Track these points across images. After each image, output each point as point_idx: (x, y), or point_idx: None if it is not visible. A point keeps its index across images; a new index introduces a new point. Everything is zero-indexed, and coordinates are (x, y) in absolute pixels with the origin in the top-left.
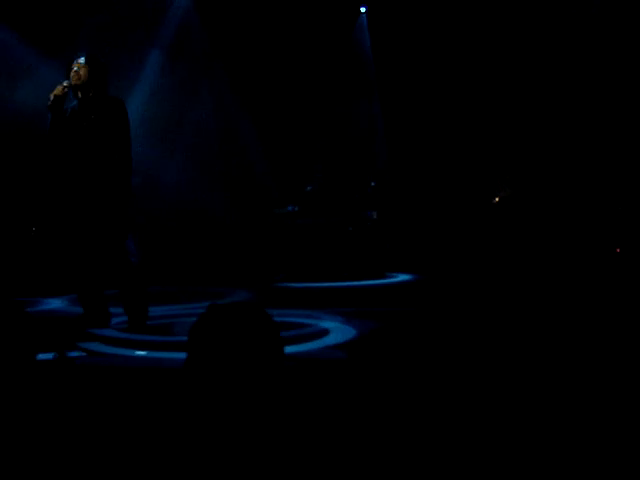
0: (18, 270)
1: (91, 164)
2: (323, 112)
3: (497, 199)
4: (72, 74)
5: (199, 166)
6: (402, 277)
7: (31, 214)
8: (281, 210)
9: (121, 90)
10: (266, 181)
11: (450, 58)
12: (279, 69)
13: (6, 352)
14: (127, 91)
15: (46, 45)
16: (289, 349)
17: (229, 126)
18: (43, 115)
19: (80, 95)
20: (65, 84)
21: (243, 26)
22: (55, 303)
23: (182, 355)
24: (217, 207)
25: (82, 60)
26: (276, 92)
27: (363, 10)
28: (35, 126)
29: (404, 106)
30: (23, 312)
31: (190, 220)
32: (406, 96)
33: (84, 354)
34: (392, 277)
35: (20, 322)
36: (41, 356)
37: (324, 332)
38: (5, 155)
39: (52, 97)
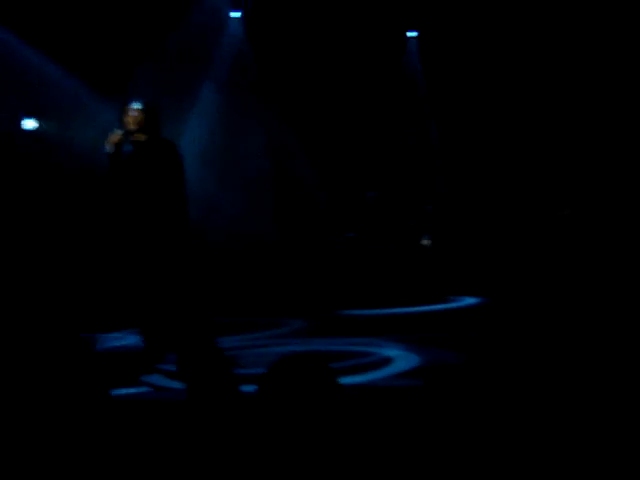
0: (93, 305)
1: (148, 206)
2: (377, 138)
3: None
4: (129, 119)
5: (254, 196)
6: (468, 301)
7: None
8: (339, 237)
9: (176, 123)
10: (322, 208)
11: (504, 77)
12: (331, 96)
13: (80, 390)
14: (182, 124)
15: (101, 85)
16: (351, 379)
17: (283, 155)
18: (98, 155)
19: (136, 139)
20: (120, 132)
21: (294, 56)
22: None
23: (248, 388)
24: (273, 236)
25: (139, 106)
26: (329, 119)
27: (412, 35)
28: (91, 166)
29: (460, 128)
30: (91, 350)
31: (247, 250)
32: (462, 118)
33: (151, 389)
34: (456, 301)
35: (90, 360)
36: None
37: (387, 360)
38: (62, 194)
39: (112, 146)
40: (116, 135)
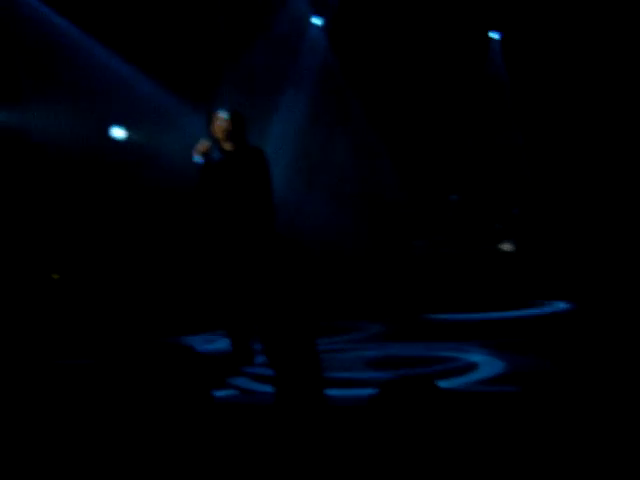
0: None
1: (237, 211)
2: (461, 139)
3: None
4: (216, 128)
5: (338, 199)
6: (557, 306)
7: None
8: (423, 240)
9: (261, 128)
10: (403, 211)
11: (589, 77)
12: (415, 98)
13: (186, 390)
14: (267, 129)
15: (188, 93)
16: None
17: (366, 160)
18: (186, 163)
19: (223, 147)
20: (207, 142)
21: (377, 58)
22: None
23: (333, 392)
24: (355, 239)
25: (225, 115)
26: (412, 122)
27: (494, 37)
28: (178, 174)
29: (546, 129)
30: (195, 353)
31: (331, 252)
32: (547, 118)
33: (237, 392)
34: (545, 306)
35: (195, 362)
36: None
37: (472, 366)
38: (152, 201)
39: (200, 156)
40: (203, 144)
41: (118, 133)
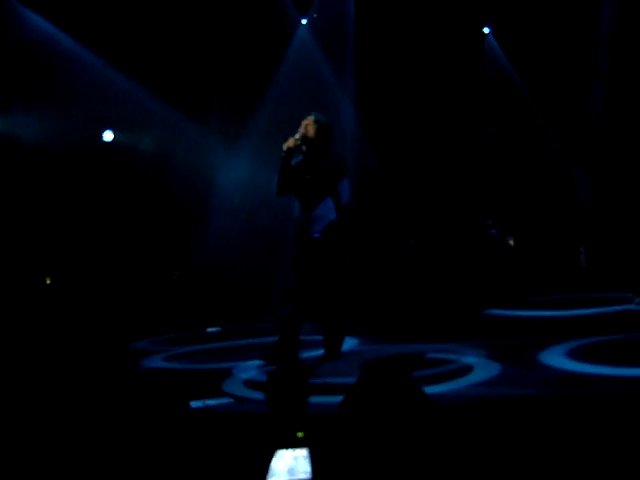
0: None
1: (310, 211)
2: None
3: None
4: (303, 127)
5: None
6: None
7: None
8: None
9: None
10: (398, 211)
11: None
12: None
13: (161, 403)
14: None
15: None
16: (432, 389)
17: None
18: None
19: (306, 149)
20: (297, 137)
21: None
22: None
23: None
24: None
25: (312, 118)
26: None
27: (487, 31)
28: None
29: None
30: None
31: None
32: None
33: (232, 400)
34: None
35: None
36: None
37: (467, 369)
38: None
39: (286, 148)
40: (292, 140)
41: (108, 136)
